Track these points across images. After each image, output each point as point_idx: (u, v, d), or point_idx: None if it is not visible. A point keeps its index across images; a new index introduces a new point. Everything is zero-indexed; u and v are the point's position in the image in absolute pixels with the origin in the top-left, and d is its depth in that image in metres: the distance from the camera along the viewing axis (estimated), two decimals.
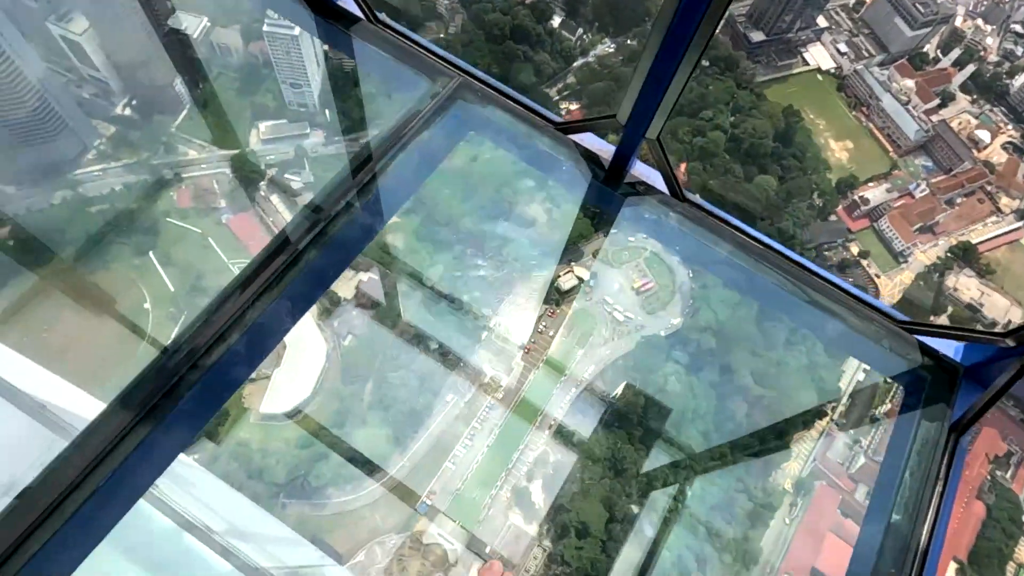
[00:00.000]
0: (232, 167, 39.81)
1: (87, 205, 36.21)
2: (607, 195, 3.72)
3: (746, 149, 42.15)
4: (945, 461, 3.11)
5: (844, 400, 36.81)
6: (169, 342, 2.84)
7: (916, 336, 3.50)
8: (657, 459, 33.41)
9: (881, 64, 48.50)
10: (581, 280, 39.26)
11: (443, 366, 35.36)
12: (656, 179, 3.72)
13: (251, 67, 41.94)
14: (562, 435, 34.54)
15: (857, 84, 47.90)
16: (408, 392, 34.76)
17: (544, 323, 37.97)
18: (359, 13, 4.11)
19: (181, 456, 2.91)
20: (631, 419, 34.48)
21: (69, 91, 38.26)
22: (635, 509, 32.02)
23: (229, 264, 36.86)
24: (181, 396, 2.77)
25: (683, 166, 41.58)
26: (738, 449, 35.03)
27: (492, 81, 3.86)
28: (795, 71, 48.59)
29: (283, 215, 39.23)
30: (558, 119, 3.80)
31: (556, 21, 46.52)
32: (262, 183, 40.05)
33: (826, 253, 42.49)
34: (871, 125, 46.60)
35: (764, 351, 36.84)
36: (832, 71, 48.79)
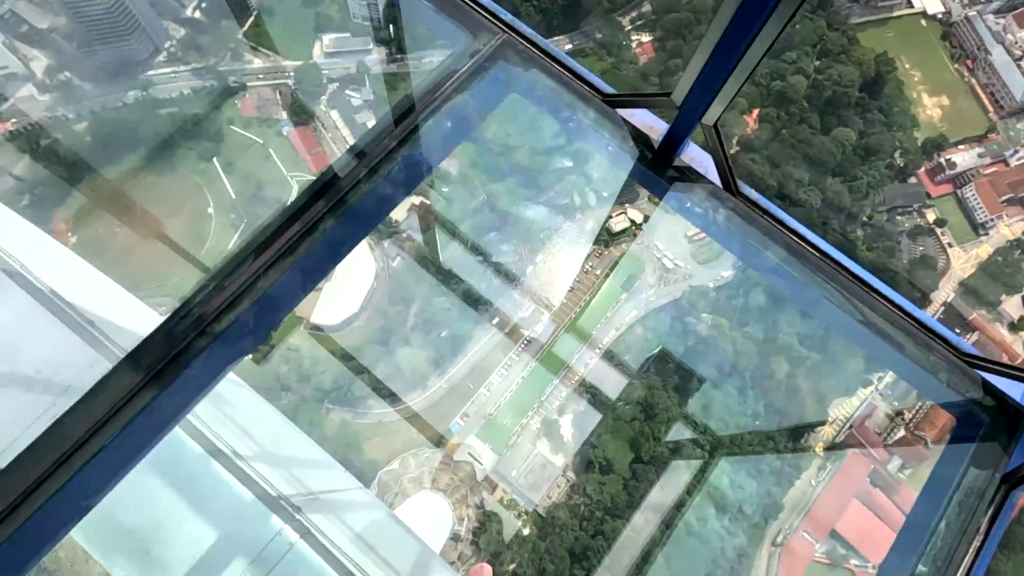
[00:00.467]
0: (295, 79, 39.77)
1: (157, 107, 37.11)
2: (652, 180, 3.41)
3: (828, 98, 39.14)
4: (989, 515, 2.84)
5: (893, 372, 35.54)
6: (179, 304, 2.81)
7: (979, 372, 3.16)
8: (689, 408, 33.47)
9: (997, 12, 43.23)
10: (633, 223, 38.30)
11: (486, 297, 35.74)
12: (709, 166, 3.36)
13: None
14: (595, 376, 34.84)
15: (965, 33, 43.01)
16: (450, 318, 35.51)
17: (591, 263, 37.57)
18: None
19: None
20: (668, 366, 34.42)
21: None
22: (661, 453, 32.47)
23: (288, 177, 37.53)
24: (188, 363, 2.75)
25: (755, 112, 39.04)
26: (772, 408, 34.65)
27: (539, 40, 3.51)
28: (896, 14, 43.80)
29: (342, 132, 39.28)
30: (607, 90, 3.45)
31: None
32: (323, 97, 39.97)
33: (899, 217, 39.86)
34: (973, 81, 42.22)
35: (816, 314, 35.63)
36: (939, 16, 43.81)
